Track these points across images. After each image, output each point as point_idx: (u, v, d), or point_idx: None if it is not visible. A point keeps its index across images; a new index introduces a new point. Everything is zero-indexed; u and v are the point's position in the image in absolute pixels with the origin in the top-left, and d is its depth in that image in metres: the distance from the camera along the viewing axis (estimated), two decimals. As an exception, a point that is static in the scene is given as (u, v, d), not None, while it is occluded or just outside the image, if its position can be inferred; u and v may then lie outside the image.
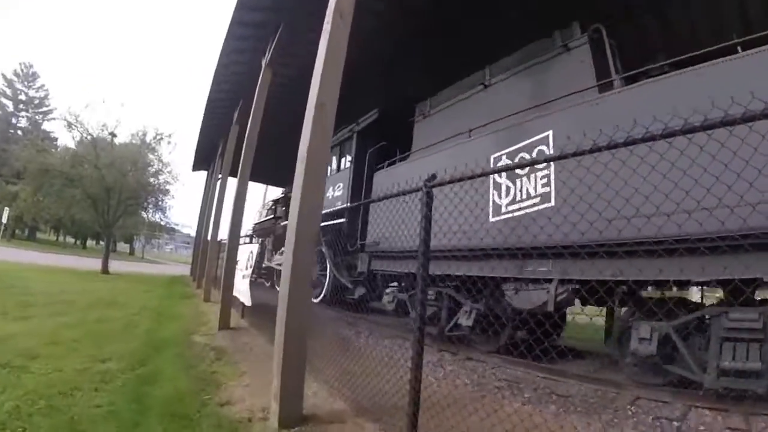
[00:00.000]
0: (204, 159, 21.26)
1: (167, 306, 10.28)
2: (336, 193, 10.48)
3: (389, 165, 8.65)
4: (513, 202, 5.60)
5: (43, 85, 53.09)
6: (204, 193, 22.84)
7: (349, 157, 10.55)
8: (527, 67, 6.41)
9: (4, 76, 50.59)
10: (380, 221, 6.90)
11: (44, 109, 52.04)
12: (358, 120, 10.46)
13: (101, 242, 56.43)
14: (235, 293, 8.36)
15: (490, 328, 5.58)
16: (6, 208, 20.57)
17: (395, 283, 8.91)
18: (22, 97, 51.77)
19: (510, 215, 5.59)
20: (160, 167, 22.80)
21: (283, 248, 13.80)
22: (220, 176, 15.64)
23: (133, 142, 21.46)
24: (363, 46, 9.39)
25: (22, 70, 52.03)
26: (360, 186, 9.72)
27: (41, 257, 24.51)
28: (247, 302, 7.85)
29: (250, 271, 8.16)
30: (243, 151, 8.25)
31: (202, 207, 22.30)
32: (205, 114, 15.26)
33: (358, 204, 6.94)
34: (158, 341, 6.37)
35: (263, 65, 8.75)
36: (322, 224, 9.69)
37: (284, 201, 14.79)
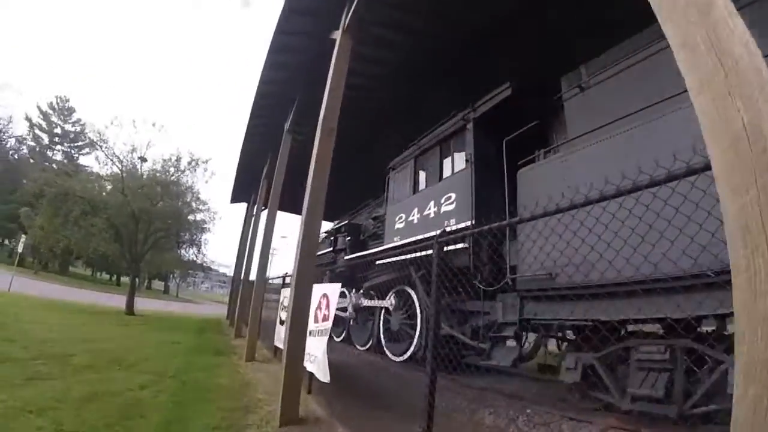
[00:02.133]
0: (244, 188, 18.75)
1: (196, 367, 7.28)
2: (442, 209, 7.44)
3: (538, 156, 5.82)
4: None
5: (79, 120, 52.39)
6: (243, 227, 20.37)
7: (461, 156, 7.49)
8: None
9: (39, 109, 50.47)
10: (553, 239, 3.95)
11: (80, 143, 51.23)
12: (474, 104, 7.44)
13: (136, 278, 55.11)
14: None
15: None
16: (23, 235, 18.21)
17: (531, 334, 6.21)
18: (58, 130, 51.43)
19: None
20: (197, 204, 20.61)
21: (344, 289, 10.86)
22: (264, 208, 13.16)
23: (166, 167, 19.11)
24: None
25: (58, 104, 51.91)
26: (489, 193, 6.70)
27: (67, 292, 22.40)
28: (323, 377, 4.81)
29: (328, 325, 5.15)
30: (315, 149, 5.33)
31: (241, 243, 19.76)
32: (248, 127, 12.68)
33: (526, 218, 3.90)
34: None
35: (339, 32, 6.02)
36: (413, 255, 6.71)
37: (350, 229, 11.85)
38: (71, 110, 52.96)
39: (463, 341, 6.64)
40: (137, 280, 48.58)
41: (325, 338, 5.04)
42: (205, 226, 21.39)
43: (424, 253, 5.70)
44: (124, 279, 53.22)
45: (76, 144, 51.93)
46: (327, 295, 5.43)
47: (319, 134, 5.26)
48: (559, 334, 5.87)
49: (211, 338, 12.46)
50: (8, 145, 49.61)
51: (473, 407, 5.23)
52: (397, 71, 8.77)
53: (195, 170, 19.42)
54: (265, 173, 13.69)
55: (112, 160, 17.86)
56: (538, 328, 5.76)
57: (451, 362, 5.62)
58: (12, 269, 21.23)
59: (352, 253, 11.04)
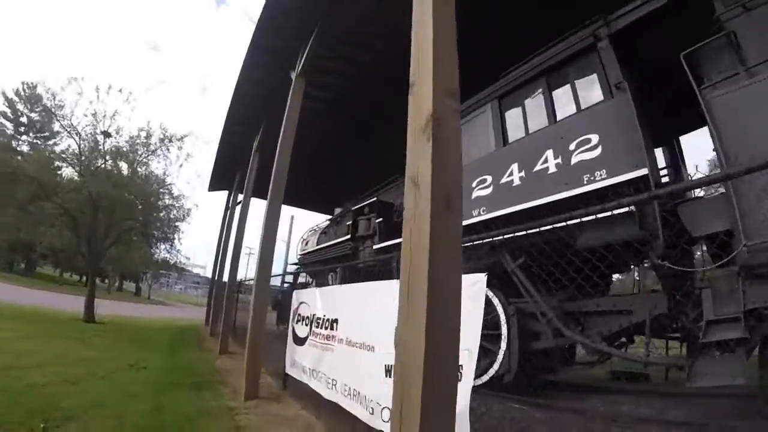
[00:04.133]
0: (226, 173, 15.86)
1: (171, 420, 4.49)
2: (575, 158, 4.95)
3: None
4: None
5: (46, 107, 48.39)
6: (225, 220, 17.53)
7: (590, 85, 5.21)
8: None
9: (4, 95, 46.09)
10: None
11: (47, 133, 47.03)
12: (606, 17, 5.16)
13: (106, 280, 51.16)
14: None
15: None
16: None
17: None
18: (24, 119, 47.22)
19: None
20: (170, 200, 17.70)
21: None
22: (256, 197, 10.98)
23: (133, 145, 15.91)
24: None
25: (24, 91, 47.53)
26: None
27: (23, 295, 19.10)
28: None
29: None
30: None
31: (222, 239, 16.92)
32: (237, 87, 9.98)
33: None
34: None
35: None
36: (520, 233, 4.18)
37: (381, 208, 9.03)
38: (39, 98, 48.48)
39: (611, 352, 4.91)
40: (106, 280, 44.34)
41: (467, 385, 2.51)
42: (177, 224, 18.32)
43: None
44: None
45: (42, 134, 47.59)
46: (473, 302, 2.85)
47: None
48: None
49: (189, 357, 9.46)
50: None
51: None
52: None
53: (168, 150, 16.31)
54: (257, 145, 10.90)
55: (68, 131, 14.80)
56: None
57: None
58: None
59: (386, 240, 8.28)
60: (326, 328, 4.98)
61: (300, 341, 5.68)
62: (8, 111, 46.33)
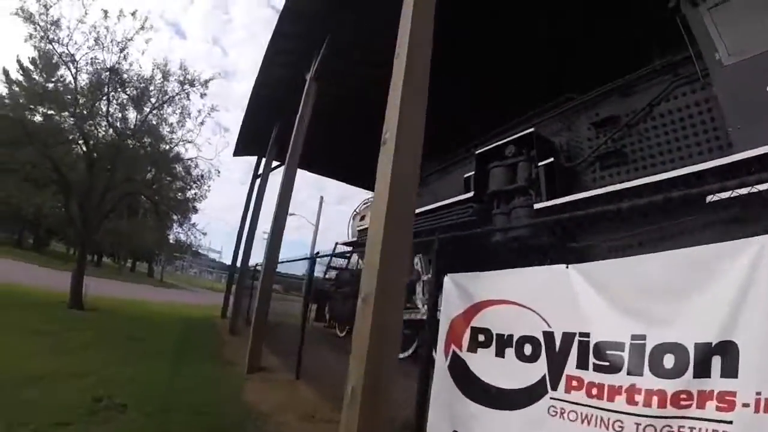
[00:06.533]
0: (259, 133, 12.63)
1: None
2: None
3: None
4: None
5: (61, 77, 45.99)
6: (253, 192, 14.72)
7: None
8: None
9: (20, 64, 43.76)
10: None
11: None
12: None
13: (120, 261, 47.86)
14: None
15: None
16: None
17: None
18: (39, 89, 44.90)
19: None
20: (187, 181, 14.96)
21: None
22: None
23: (144, 87, 12.63)
24: None
25: (40, 59, 45.16)
26: None
27: (11, 272, 16.09)
28: None
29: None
30: None
31: (246, 212, 14.18)
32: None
33: None
34: None
35: None
36: None
37: (542, 147, 5.19)
38: (56, 67, 45.85)
39: None
40: (121, 261, 41.16)
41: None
42: (195, 205, 15.72)
43: None
44: (106, 260, 46.16)
45: (57, 105, 45.03)
46: None
47: None
48: None
49: (202, 376, 5.93)
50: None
51: None
52: None
53: (188, 97, 13.00)
54: (313, 72, 7.55)
55: (63, 60, 11.74)
56: None
57: None
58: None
59: (554, 196, 4.73)
60: (676, 373, 1.75)
61: (495, 398, 2.40)
62: (23, 80, 43.89)
